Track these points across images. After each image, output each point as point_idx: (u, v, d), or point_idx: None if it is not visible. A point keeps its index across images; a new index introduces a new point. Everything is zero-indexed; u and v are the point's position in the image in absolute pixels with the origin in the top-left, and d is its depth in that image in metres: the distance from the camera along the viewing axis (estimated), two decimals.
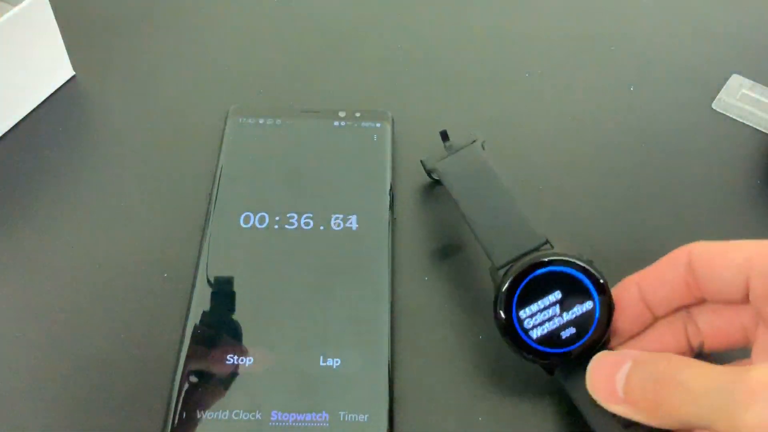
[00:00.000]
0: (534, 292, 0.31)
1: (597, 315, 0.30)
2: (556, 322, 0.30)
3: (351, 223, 0.38)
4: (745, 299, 0.28)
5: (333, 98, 0.47)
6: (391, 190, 0.40)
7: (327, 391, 0.32)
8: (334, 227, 0.38)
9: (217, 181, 0.40)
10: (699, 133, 0.45)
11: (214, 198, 0.39)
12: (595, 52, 0.50)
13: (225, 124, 0.43)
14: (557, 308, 0.30)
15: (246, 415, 0.31)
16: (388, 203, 0.39)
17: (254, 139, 0.42)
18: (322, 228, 0.38)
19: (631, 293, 0.31)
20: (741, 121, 0.46)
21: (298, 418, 0.31)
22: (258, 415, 0.31)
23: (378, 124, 0.43)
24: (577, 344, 0.30)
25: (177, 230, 0.39)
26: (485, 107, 0.47)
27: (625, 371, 0.27)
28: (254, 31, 0.52)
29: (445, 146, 0.38)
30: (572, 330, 0.30)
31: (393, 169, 0.41)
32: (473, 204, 0.35)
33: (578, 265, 0.31)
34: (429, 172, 0.40)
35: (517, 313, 0.31)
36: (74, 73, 0.48)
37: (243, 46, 0.51)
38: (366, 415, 0.31)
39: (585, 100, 0.46)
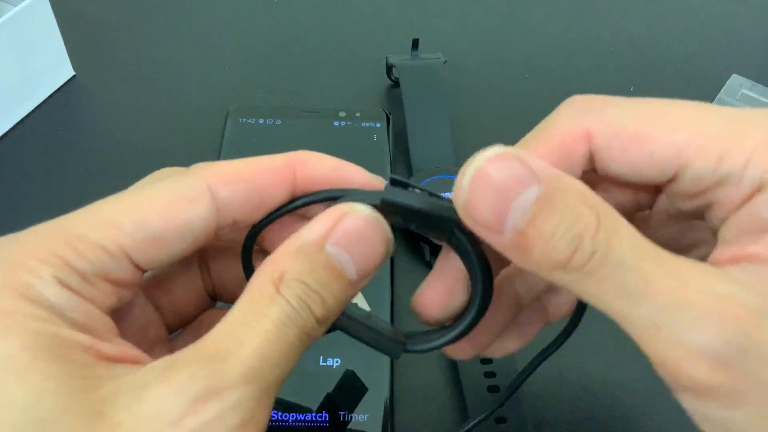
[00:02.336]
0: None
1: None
2: None
3: None
4: (657, 189, 0.22)
5: (333, 98, 0.47)
6: None
7: (327, 391, 0.32)
8: None
9: None
10: None
11: None
12: (595, 52, 0.50)
13: (225, 124, 0.43)
14: None
15: None
16: None
17: (254, 139, 0.42)
18: None
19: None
20: None
21: (298, 418, 0.31)
22: None
23: (378, 124, 0.43)
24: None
25: None
26: (485, 111, 0.47)
27: (529, 199, 0.17)
28: (254, 31, 0.52)
29: (411, 53, 0.46)
30: None
31: (392, 168, 0.41)
32: (416, 110, 0.40)
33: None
34: (389, 69, 0.46)
35: None
36: (74, 73, 0.48)
37: (243, 46, 0.51)
38: (366, 415, 0.31)
39: None
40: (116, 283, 0.20)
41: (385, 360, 0.33)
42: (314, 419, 0.31)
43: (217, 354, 0.18)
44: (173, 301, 0.24)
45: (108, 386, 0.17)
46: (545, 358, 0.25)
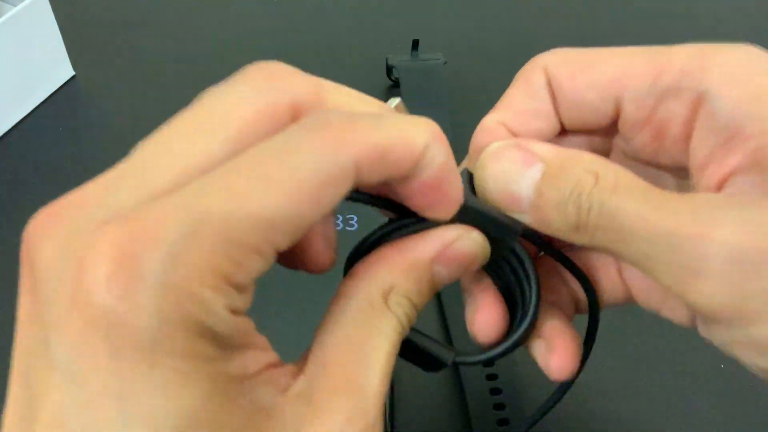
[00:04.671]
0: None
1: None
2: None
3: (352, 224, 0.38)
4: (612, 130, 0.23)
5: None
6: None
7: None
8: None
9: None
10: None
11: None
12: None
13: None
14: None
15: None
16: None
17: None
18: None
19: (498, 135, 0.23)
20: None
21: None
22: None
23: None
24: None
25: None
26: (485, 111, 0.47)
27: (536, 175, 0.20)
28: (254, 31, 0.52)
29: (411, 54, 0.46)
30: None
31: None
32: (416, 111, 0.36)
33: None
34: (389, 70, 0.46)
35: None
36: (74, 72, 0.48)
37: (243, 46, 0.50)
38: None
39: None
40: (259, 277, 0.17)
41: None
42: None
43: (350, 381, 0.17)
44: None
45: (267, 424, 0.16)
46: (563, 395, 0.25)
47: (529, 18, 0.53)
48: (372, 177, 0.17)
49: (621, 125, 0.22)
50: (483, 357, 0.22)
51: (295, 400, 0.17)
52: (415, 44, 0.46)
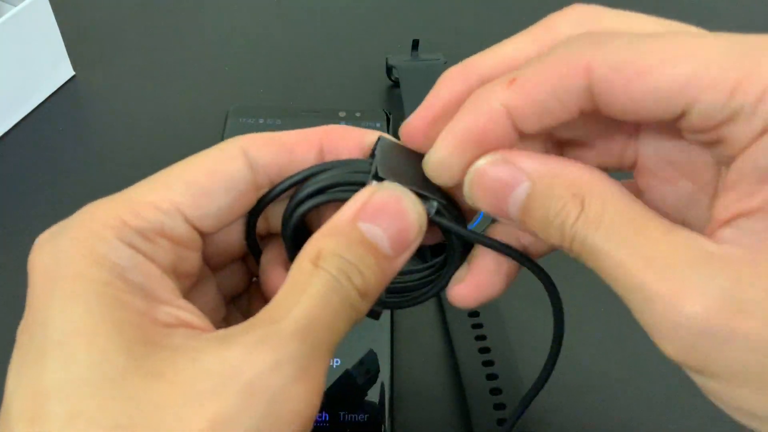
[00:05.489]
0: None
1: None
2: None
3: None
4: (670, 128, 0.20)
5: (333, 98, 0.47)
6: None
7: (327, 390, 0.32)
8: None
9: None
10: None
11: None
12: None
13: (225, 124, 0.43)
14: None
15: None
16: None
17: None
18: None
19: (497, 118, 0.20)
20: None
21: None
22: None
23: (378, 124, 0.43)
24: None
25: None
26: None
27: (521, 195, 0.20)
28: (254, 31, 0.52)
29: (411, 54, 0.46)
30: None
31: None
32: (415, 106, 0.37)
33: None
34: (389, 70, 0.46)
35: None
36: (74, 72, 0.48)
37: (243, 46, 0.51)
38: (366, 415, 0.31)
39: None
40: (174, 240, 0.21)
41: (385, 359, 0.33)
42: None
43: (269, 319, 0.19)
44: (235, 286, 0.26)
45: (166, 350, 0.18)
46: (548, 375, 0.25)
47: (529, 18, 0.53)
48: (266, 153, 0.22)
49: (675, 125, 0.19)
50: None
51: (206, 340, 0.18)
52: (415, 44, 0.46)
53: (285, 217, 0.23)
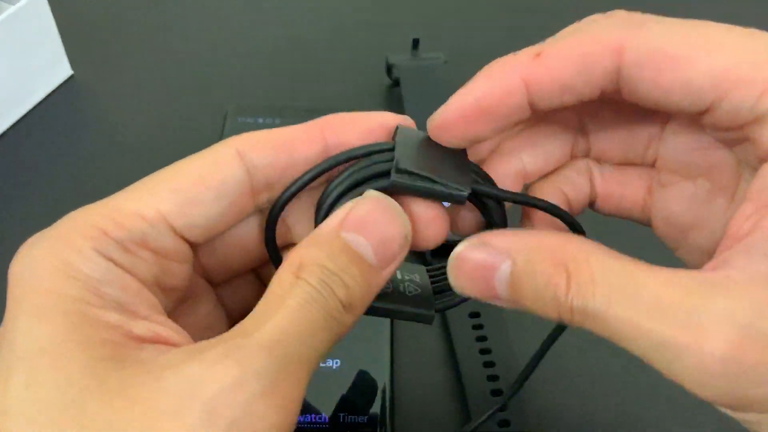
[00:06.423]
0: None
1: None
2: None
3: None
4: (694, 121, 0.20)
5: (333, 98, 0.47)
6: None
7: (327, 391, 0.32)
8: None
9: None
10: None
11: None
12: None
13: (224, 123, 0.43)
14: None
15: None
16: None
17: None
18: None
19: (514, 92, 0.20)
20: None
21: (298, 419, 0.31)
22: None
23: None
24: None
25: None
26: None
27: (505, 274, 0.19)
28: (254, 31, 0.52)
29: (411, 53, 0.46)
30: None
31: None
32: (416, 110, 0.38)
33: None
34: (389, 69, 0.46)
35: None
36: (72, 72, 0.48)
37: (242, 46, 0.50)
38: (365, 416, 0.31)
39: None
40: (158, 251, 0.20)
41: (385, 360, 0.33)
42: (314, 420, 0.31)
43: (241, 332, 0.18)
44: (240, 300, 0.24)
45: (132, 367, 0.17)
46: (547, 348, 0.25)
47: (530, 18, 0.53)
48: (264, 155, 0.21)
49: (699, 120, 0.19)
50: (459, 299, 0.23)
51: (173, 354, 0.17)
52: (415, 44, 0.46)
53: (317, 222, 0.21)
